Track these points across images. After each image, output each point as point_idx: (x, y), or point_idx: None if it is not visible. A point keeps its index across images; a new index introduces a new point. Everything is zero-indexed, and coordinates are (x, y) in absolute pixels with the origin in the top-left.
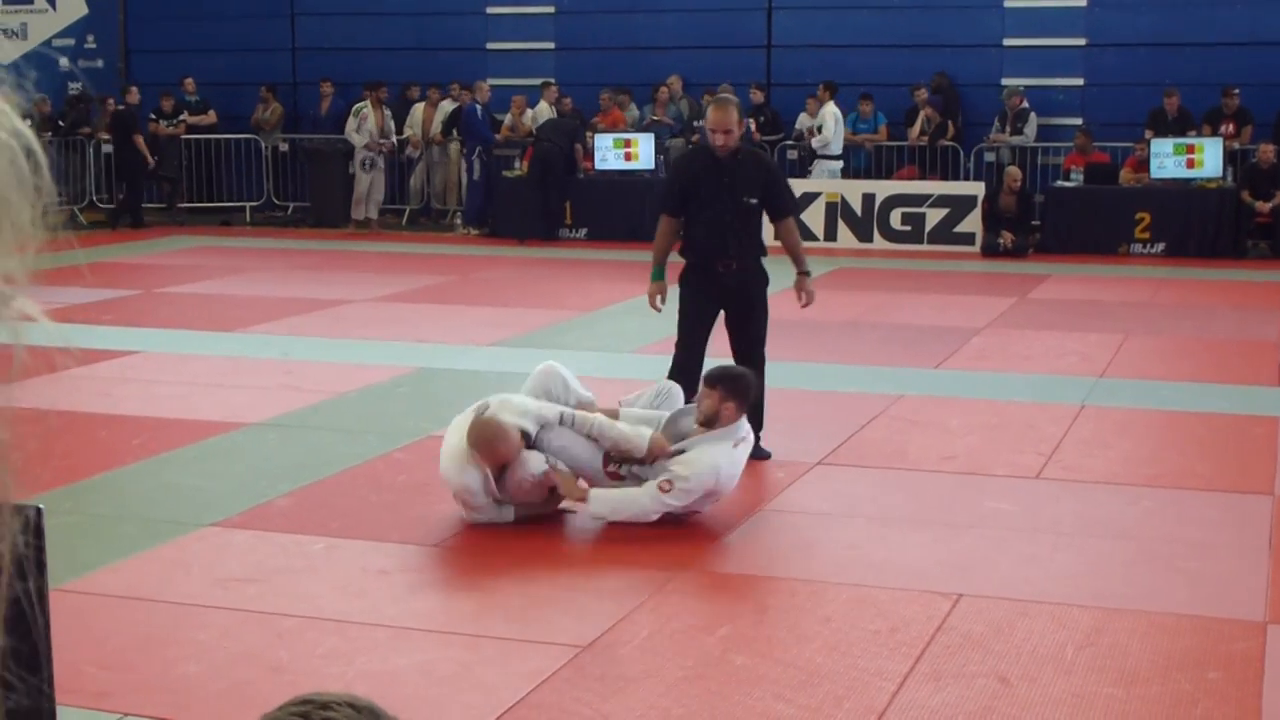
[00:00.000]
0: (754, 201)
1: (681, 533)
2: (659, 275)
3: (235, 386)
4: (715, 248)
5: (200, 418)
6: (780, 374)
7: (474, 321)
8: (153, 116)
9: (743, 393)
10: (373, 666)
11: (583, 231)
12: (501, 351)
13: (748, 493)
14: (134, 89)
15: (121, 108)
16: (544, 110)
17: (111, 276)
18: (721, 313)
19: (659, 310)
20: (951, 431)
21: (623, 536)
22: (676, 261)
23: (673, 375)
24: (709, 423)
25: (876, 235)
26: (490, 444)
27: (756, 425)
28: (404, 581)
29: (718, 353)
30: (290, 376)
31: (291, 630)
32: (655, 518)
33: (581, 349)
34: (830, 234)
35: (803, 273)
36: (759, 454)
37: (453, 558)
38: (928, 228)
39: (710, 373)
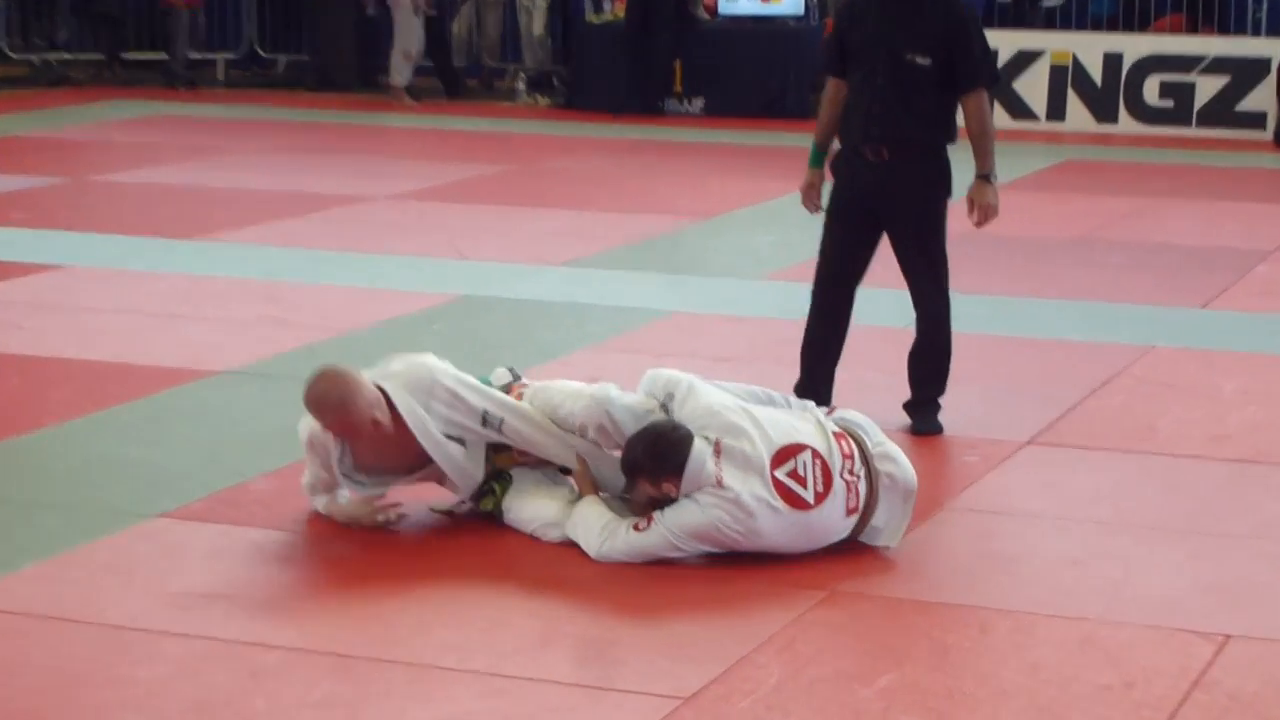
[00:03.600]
0: (924, 62)
1: None
2: (816, 161)
3: (199, 319)
4: (861, 124)
5: (149, 362)
6: (971, 313)
7: (541, 231)
8: None
9: (659, 459)
10: None
11: (698, 104)
12: (579, 274)
13: (923, 484)
14: None
15: None
16: None
17: (23, 157)
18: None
19: (814, 210)
20: (1223, 400)
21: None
22: None
23: (812, 327)
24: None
25: (1123, 113)
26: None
27: (929, 388)
28: (430, 597)
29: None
30: (277, 305)
31: (271, 668)
32: (610, 559)
33: (695, 272)
34: (1056, 110)
35: (980, 176)
36: (927, 426)
37: (500, 563)
38: (1197, 104)
39: (622, 461)
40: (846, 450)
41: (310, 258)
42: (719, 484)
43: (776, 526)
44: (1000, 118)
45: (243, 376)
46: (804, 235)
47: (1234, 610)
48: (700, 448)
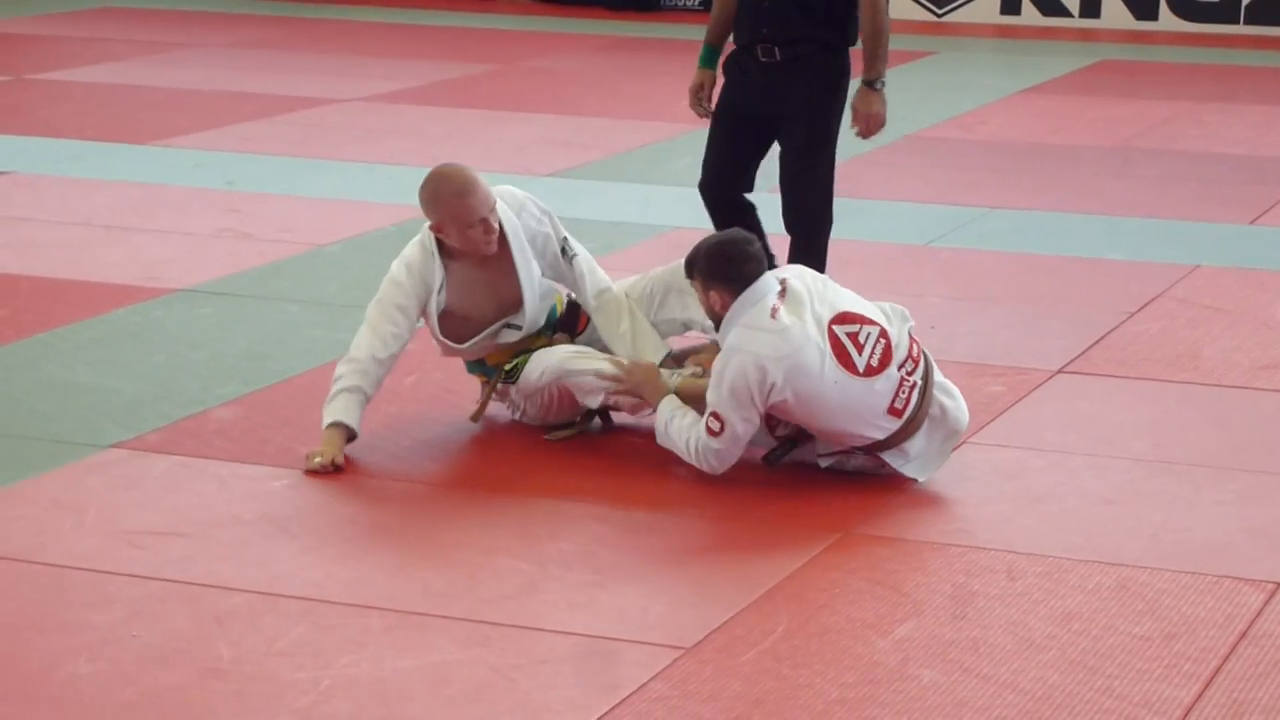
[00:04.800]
0: None
1: (839, 475)
2: (707, 61)
3: (152, 231)
4: (751, 22)
5: (98, 278)
6: (996, 228)
7: (526, 138)
8: None
9: (714, 261)
10: (361, 670)
11: None
12: (569, 185)
13: None
14: None
15: None
16: None
17: None
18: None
19: (701, 114)
20: (1274, 325)
21: (748, 476)
22: None
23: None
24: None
25: (1164, 9)
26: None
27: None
28: (410, 540)
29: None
30: (237, 217)
31: (238, 612)
32: (714, 469)
33: (694, 183)
34: (1090, 7)
35: (866, 82)
36: None
37: (485, 505)
38: (1246, 0)
39: (687, 257)
40: (915, 354)
41: (274, 165)
42: (774, 314)
43: (817, 374)
44: (1030, 14)
45: (200, 295)
46: None
47: None
48: (768, 278)
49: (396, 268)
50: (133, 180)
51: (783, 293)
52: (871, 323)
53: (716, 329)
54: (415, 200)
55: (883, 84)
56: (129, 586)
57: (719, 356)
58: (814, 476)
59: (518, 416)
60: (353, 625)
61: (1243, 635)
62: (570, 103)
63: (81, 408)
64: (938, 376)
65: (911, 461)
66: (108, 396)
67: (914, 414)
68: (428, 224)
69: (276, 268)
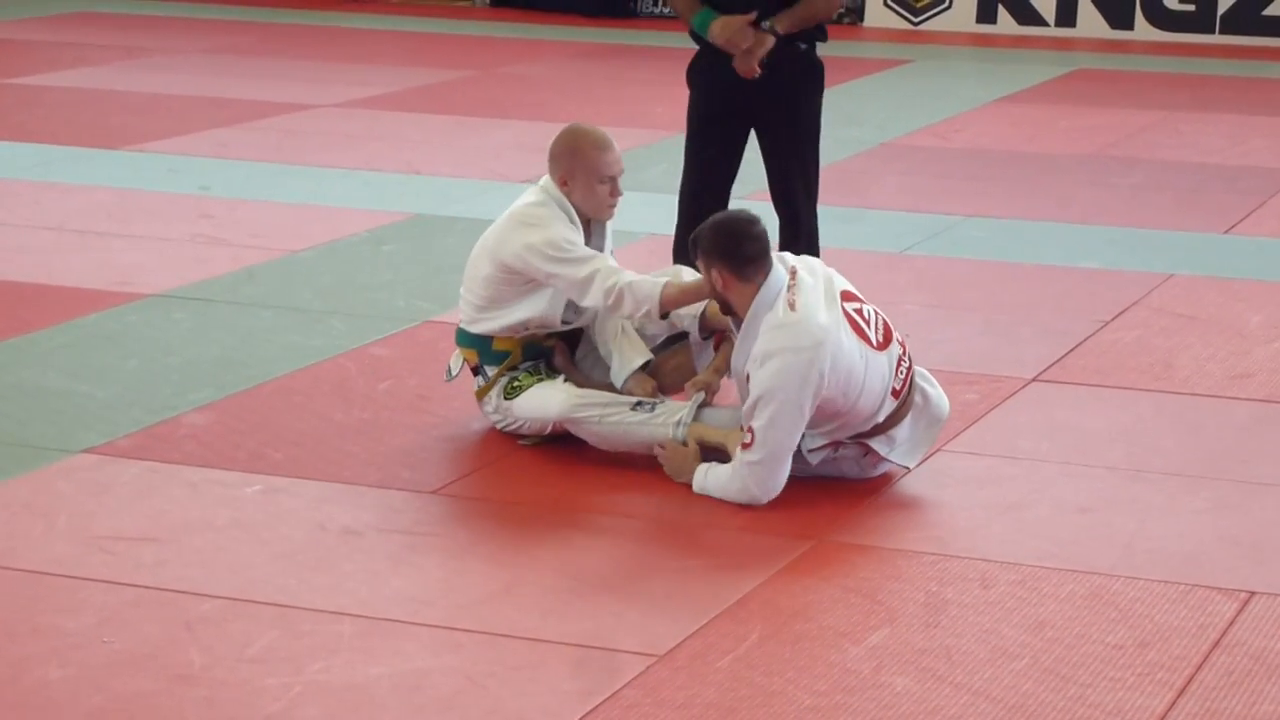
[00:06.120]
0: None
1: (813, 482)
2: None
3: (125, 236)
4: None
5: (71, 283)
6: (971, 236)
7: (501, 143)
8: None
9: (718, 239)
10: (332, 677)
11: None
12: None
13: None
14: None
15: None
16: None
17: None
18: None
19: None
20: (1248, 334)
21: None
22: None
23: (679, 242)
24: (726, 313)
25: (1139, 19)
26: None
27: None
28: (383, 547)
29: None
30: (211, 223)
31: (209, 618)
32: (774, 493)
33: (669, 190)
34: (1066, 16)
35: (769, 29)
36: None
37: (460, 512)
38: (1221, 8)
39: (692, 234)
40: (901, 339)
41: (248, 170)
42: (791, 307)
43: (850, 349)
44: (1006, 23)
45: (174, 300)
46: None
47: (1258, 564)
48: (779, 270)
49: (536, 226)
50: (107, 185)
51: (793, 277)
52: (864, 301)
53: (721, 307)
54: (390, 206)
55: (774, 35)
56: (100, 592)
57: (754, 368)
58: (789, 484)
59: (497, 420)
60: (324, 631)
61: (1216, 644)
62: (546, 108)
63: (53, 412)
64: (917, 366)
65: (898, 448)
66: (80, 401)
67: (907, 396)
68: (545, 178)
69: (250, 273)
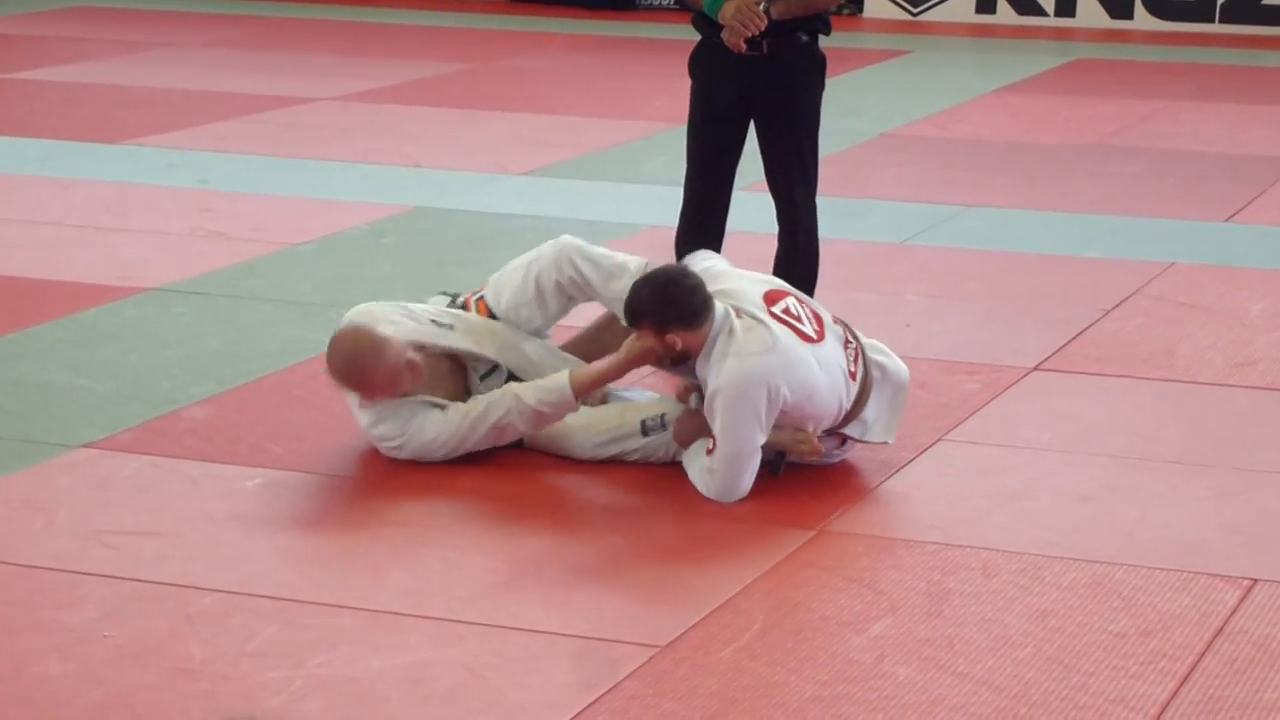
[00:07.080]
0: None
1: (814, 472)
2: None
3: (124, 230)
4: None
5: (71, 278)
6: (973, 226)
7: (501, 136)
8: None
9: (665, 308)
10: (334, 670)
11: None
12: (543, 184)
13: (920, 414)
14: None
15: None
16: None
17: None
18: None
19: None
20: (1249, 322)
21: None
22: None
23: (683, 231)
24: (679, 362)
25: (1139, 9)
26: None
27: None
28: (384, 540)
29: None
30: (211, 217)
31: (209, 612)
32: (739, 495)
33: (669, 183)
34: (1065, 5)
35: (765, 10)
36: None
37: (460, 504)
38: None
39: (626, 305)
40: (838, 321)
41: (248, 164)
42: (743, 331)
43: (801, 360)
44: (1005, 13)
45: (174, 294)
46: None
47: (1260, 552)
48: (721, 305)
49: (385, 421)
50: (106, 180)
51: (736, 309)
52: (787, 294)
53: (672, 360)
54: (390, 199)
55: (767, 16)
56: (100, 586)
57: (715, 394)
58: (787, 474)
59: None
60: (325, 625)
61: (1218, 632)
62: (545, 101)
63: (53, 407)
64: (865, 339)
65: (872, 428)
66: (80, 396)
67: (864, 376)
68: None
69: (250, 267)
